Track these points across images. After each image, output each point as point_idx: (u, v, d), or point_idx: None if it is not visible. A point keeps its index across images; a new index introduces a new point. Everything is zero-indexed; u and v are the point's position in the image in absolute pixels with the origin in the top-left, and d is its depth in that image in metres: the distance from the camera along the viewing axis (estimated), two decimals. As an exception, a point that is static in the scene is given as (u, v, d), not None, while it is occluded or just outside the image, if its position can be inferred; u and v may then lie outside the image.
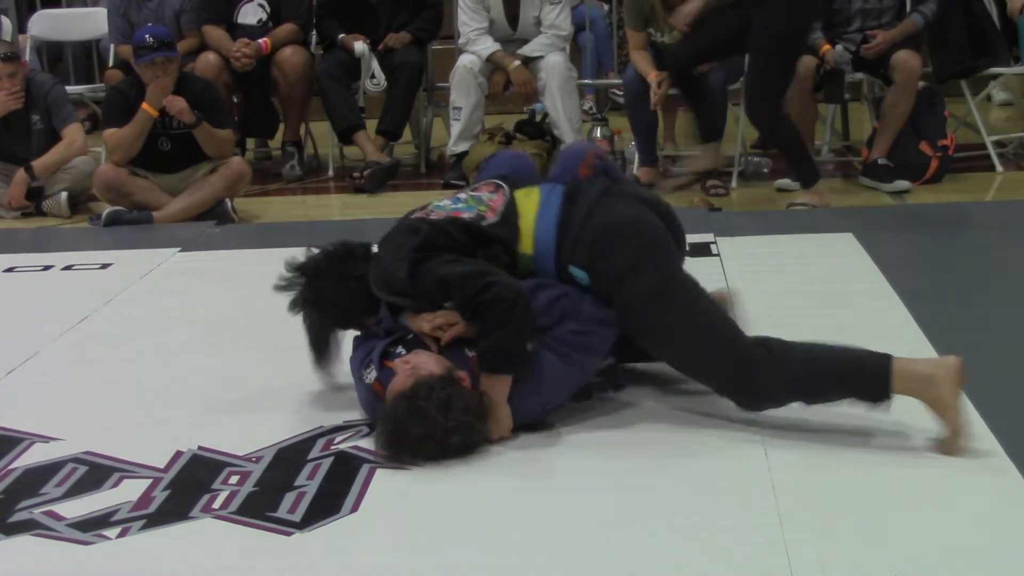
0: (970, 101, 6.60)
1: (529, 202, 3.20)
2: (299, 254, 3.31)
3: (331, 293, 3.23)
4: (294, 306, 3.29)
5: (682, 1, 6.01)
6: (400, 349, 3.13)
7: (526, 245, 3.14)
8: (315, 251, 3.30)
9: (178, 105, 5.93)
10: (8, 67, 6.44)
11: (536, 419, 3.07)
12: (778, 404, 2.96)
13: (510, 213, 3.17)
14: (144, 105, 5.97)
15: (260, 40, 6.95)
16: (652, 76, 6.14)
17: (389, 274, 3.11)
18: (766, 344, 2.96)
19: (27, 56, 7.23)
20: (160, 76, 5.93)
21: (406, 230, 3.16)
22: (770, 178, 6.58)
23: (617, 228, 3.07)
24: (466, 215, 3.15)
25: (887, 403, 2.86)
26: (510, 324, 2.95)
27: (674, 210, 3.30)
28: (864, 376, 2.87)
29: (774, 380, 2.92)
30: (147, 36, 6.01)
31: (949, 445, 2.79)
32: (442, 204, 3.23)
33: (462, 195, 3.26)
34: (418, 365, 2.98)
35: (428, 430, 2.89)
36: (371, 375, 3.14)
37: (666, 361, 3.15)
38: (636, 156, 6.59)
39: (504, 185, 3.27)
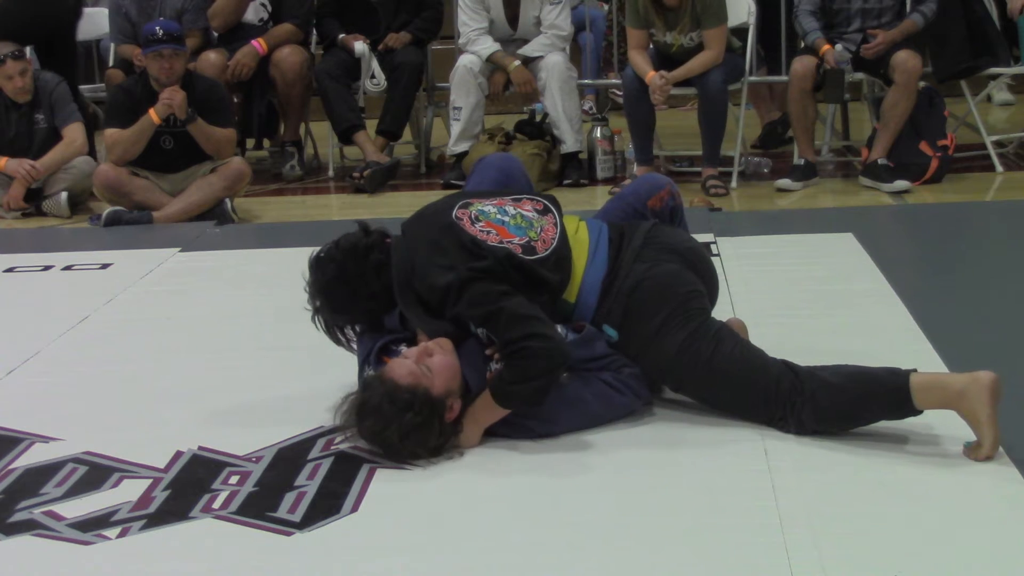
0: (970, 101, 6.60)
1: (579, 246, 3.15)
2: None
3: (342, 302, 3.17)
4: (310, 302, 3.21)
5: (673, 4, 6.03)
6: (403, 347, 3.12)
7: (571, 293, 3.12)
8: (326, 254, 3.16)
9: (177, 97, 5.93)
10: (19, 65, 6.46)
11: (523, 439, 3.04)
12: (814, 435, 2.94)
13: (564, 256, 3.11)
14: (151, 111, 5.97)
15: (253, 41, 6.94)
16: (650, 76, 6.13)
17: (421, 274, 3.04)
18: (794, 371, 2.96)
19: (27, 56, 7.22)
20: (165, 68, 5.93)
21: (456, 243, 3.04)
22: (770, 178, 6.58)
23: (651, 292, 3.06)
24: (517, 239, 3.08)
25: (918, 414, 2.88)
26: (540, 380, 2.91)
27: (709, 258, 3.28)
28: (887, 399, 2.87)
29: (808, 416, 2.93)
30: (157, 28, 6.03)
31: (979, 454, 2.79)
32: (487, 211, 3.13)
33: (509, 208, 3.16)
34: (431, 371, 2.93)
35: (378, 433, 2.91)
36: (369, 375, 3.13)
37: (703, 404, 3.12)
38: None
39: (554, 211, 3.20)
